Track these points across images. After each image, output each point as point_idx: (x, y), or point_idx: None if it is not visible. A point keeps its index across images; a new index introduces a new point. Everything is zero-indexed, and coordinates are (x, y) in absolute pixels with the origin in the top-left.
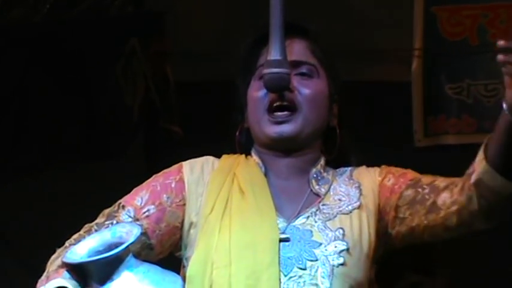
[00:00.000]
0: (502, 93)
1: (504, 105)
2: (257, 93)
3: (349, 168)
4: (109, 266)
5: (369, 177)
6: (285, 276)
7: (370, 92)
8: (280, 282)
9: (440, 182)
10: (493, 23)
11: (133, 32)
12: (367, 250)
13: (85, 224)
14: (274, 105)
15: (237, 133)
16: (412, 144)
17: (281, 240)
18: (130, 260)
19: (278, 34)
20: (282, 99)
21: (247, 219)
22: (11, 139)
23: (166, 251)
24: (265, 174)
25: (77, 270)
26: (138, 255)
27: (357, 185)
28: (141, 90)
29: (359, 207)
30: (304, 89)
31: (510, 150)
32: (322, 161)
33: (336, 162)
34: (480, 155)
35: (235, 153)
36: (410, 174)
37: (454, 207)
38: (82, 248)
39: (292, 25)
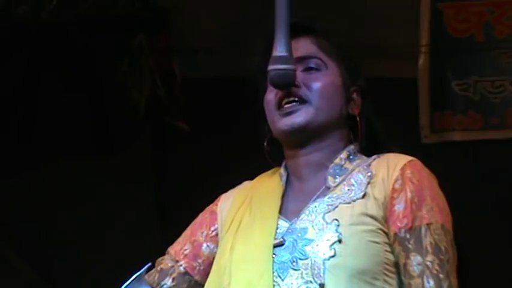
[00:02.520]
0: (508, 90)
1: None
2: (269, 96)
3: (376, 156)
4: None
5: (386, 172)
6: (282, 280)
7: (376, 89)
8: (277, 287)
9: (414, 267)
10: (500, 19)
11: (140, 28)
12: (374, 237)
13: (91, 218)
14: (283, 102)
15: (265, 144)
16: (419, 141)
17: (275, 245)
18: None
19: (283, 30)
20: (289, 96)
21: (249, 232)
22: (17, 135)
23: None
24: (288, 182)
25: None
26: None
27: (369, 174)
28: (148, 86)
29: (363, 196)
30: (312, 83)
31: None
32: (344, 152)
33: (372, 151)
34: None
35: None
36: (410, 218)
37: None
38: None
39: (296, 24)
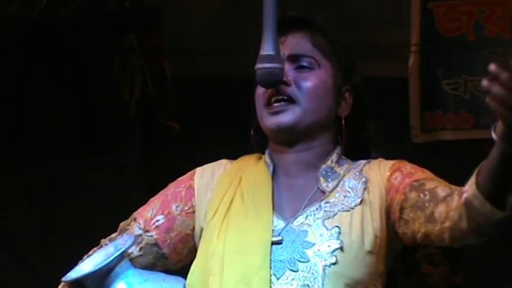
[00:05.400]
0: None
1: (494, 136)
2: (260, 90)
3: (365, 161)
4: (104, 279)
5: (378, 173)
6: (278, 279)
7: (367, 88)
8: (272, 285)
9: (441, 190)
10: (490, 18)
11: (130, 27)
12: (371, 246)
13: (82, 219)
14: (272, 99)
15: (252, 132)
16: (410, 140)
17: (273, 242)
18: (125, 271)
19: (271, 29)
20: (278, 94)
21: (243, 222)
22: (8, 134)
23: (186, 258)
24: (274, 173)
25: (76, 287)
26: (154, 266)
27: (364, 179)
28: (139, 86)
29: (361, 202)
30: (302, 82)
31: (501, 179)
32: (335, 155)
33: (356, 154)
34: (472, 179)
35: (253, 152)
36: (417, 174)
37: (447, 223)
38: (87, 265)
39: (293, 18)
